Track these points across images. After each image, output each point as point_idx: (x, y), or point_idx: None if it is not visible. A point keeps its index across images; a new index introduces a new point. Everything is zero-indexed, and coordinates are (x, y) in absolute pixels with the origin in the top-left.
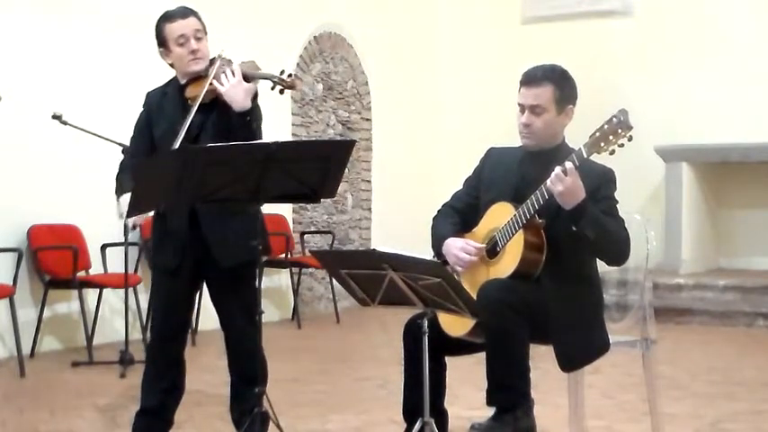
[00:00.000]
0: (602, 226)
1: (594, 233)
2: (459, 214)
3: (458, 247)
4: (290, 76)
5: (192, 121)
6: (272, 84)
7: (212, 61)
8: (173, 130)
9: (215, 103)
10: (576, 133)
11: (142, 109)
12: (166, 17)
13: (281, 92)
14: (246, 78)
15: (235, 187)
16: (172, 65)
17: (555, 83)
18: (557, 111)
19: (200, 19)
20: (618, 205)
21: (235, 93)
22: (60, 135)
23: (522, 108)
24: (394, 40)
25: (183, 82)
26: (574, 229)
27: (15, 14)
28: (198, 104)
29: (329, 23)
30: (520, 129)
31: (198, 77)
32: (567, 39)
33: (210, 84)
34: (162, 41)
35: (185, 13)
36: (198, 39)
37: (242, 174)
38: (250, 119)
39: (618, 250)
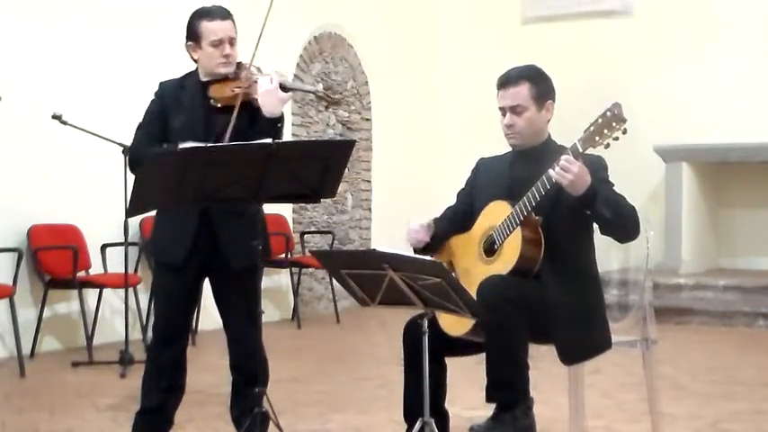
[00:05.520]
0: (616, 202)
1: (611, 211)
2: (452, 221)
3: (410, 228)
4: (334, 92)
5: (213, 122)
6: (316, 98)
7: (239, 65)
8: (191, 125)
9: (241, 106)
10: (575, 133)
11: (154, 97)
12: (205, 14)
13: (327, 107)
14: (284, 89)
15: (235, 187)
16: (195, 60)
17: (530, 80)
18: (537, 107)
19: (234, 23)
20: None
21: (269, 98)
22: (60, 135)
23: (504, 111)
24: (394, 40)
25: (204, 79)
26: (587, 212)
27: (15, 14)
28: (230, 107)
29: (329, 23)
30: (504, 131)
31: (224, 79)
32: (567, 39)
33: (245, 87)
34: (194, 36)
35: (225, 15)
36: (232, 44)
37: (242, 174)
38: (281, 125)
39: (633, 223)
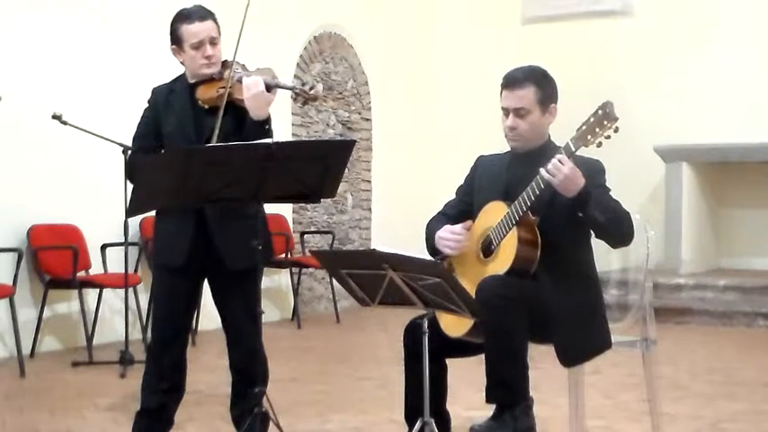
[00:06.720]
0: (610, 207)
1: (604, 216)
2: (452, 220)
3: (446, 230)
4: (311, 88)
5: (203, 124)
6: (293, 94)
7: (224, 64)
8: (182, 127)
9: (226, 106)
10: (573, 134)
11: (147, 105)
12: (184, 17)
13: (304, 103)
14: (267, 88)
15: (235, 187)
16: (182, 63)
17: (536, 83)
18: (541, 111)
19: (216, 22)
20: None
21: (256, 102)
22: (60, 135)
23: (507, 111)
24: (394, 40)
25: (191, 81)
26: (580, 215)
27: (15, 14)
28: (217, 108)
29: (329, 23)
30: (506, 132)
31: (209, 79)
32: (567, 39)
33: (228, 88)
34: (176, 40)
35: (204, 15)
36: (213, 44)
37: (242, 174)
38: (268, 127)
39: (627, 229)
